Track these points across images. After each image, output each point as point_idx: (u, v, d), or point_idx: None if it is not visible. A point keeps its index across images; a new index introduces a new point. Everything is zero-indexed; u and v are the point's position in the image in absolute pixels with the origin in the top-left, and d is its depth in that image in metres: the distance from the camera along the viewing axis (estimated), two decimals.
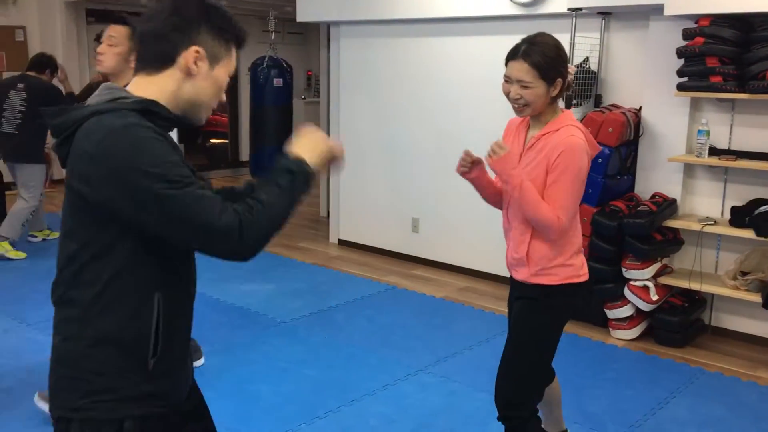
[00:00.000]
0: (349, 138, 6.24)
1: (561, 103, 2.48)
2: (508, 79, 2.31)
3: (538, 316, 2.48)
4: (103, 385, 1.41)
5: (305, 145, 1.53)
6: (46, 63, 5.91)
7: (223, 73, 1.52)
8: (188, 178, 1.34)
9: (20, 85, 5.71)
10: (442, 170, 5.46)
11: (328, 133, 6.92)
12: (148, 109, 1.40)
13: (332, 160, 1.60)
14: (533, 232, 2.38)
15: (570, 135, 2.30)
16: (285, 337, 4.26)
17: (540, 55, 2.24)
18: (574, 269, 2.45)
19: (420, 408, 3.42)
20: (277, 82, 6.19)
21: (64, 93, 5.90)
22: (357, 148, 6.13)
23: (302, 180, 1.47)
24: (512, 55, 2.29)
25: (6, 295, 4.83)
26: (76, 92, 5.98)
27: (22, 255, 5.72)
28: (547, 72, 2.24)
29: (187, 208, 1.31)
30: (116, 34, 3.01)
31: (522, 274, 2.46)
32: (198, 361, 3.59)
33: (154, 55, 1.46)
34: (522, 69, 2.25)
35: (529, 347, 2.48)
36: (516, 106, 2.32)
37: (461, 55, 5.40)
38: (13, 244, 5.72)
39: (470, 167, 2.43)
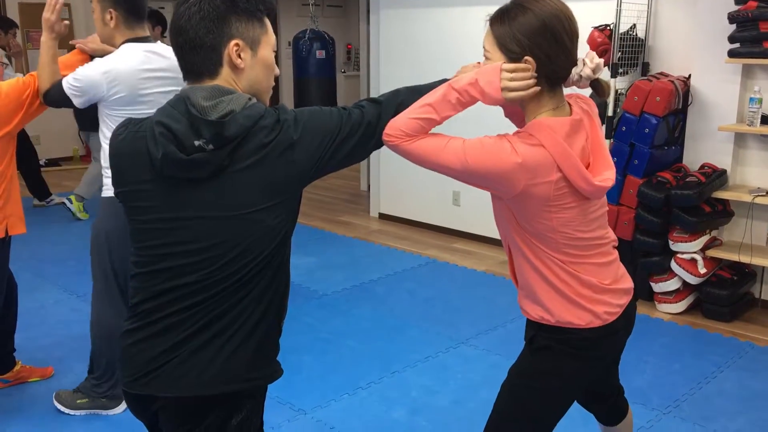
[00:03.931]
0: None
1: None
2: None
3: (528, 362, 1.86)
4: None
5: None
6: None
7: (266, 51, 1.53)
8: None
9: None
10: None
11: None
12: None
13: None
14: (513, 237, 1.74)
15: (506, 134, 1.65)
16: (327, 310, 4.29)
17: (509, 23, 1.65)
18: (580, 307, 1.74)
19: (461, 380, 3.42)
20: (320, 54, 6.17)
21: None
22: None
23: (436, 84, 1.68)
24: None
25: (57, 267, 4.97)
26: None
27: (86, 216, 6.19)
28: (509, 43, 1.64)
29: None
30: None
31: (521, 305, 1.87)
32: None
33: (202, 64, 1.47)
34: (487, 34, 1.71)
35: (508, 411, 1.85)
36: None
37: None
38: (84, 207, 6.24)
39: None
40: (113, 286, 2.90)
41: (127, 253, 2.92)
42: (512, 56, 1.65)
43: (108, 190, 2.84)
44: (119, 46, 2.77)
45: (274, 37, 1.56)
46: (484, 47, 1.72)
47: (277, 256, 1.51)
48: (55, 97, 2.75)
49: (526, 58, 1.63)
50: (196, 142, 1.39)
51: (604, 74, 4.46)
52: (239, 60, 1.47)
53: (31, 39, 8.23)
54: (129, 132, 1.49)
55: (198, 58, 1.46)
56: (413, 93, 1.66)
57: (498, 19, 1.69)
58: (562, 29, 1.65)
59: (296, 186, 1.47)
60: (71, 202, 6.18)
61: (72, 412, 3.06)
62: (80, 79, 2.70)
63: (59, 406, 3.08)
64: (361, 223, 6.39)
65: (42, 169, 6.98)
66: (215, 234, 1.43)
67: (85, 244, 5.47)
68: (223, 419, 1.48)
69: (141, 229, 1.50)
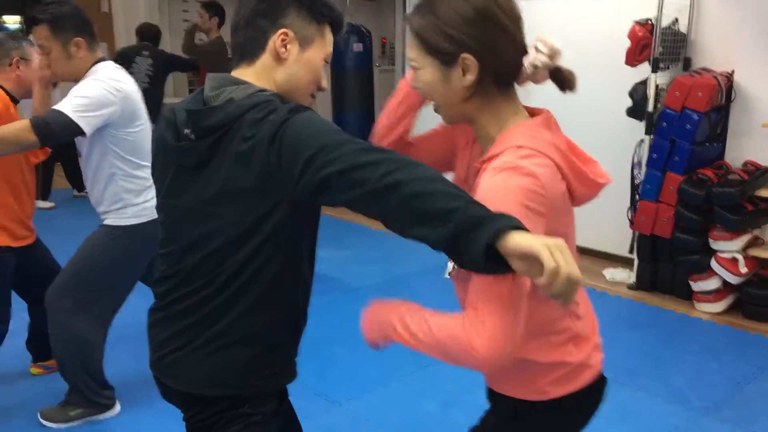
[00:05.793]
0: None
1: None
2: None
3: None
4: None
5: (544, 240, 1.06)
6: (157, 34, 6.24)
7: (316, 55, 1.45)
8: None
9: (145, 52, 5.96)
10: None
11: None
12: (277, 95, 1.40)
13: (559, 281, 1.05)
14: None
15: (503, 165, 1.25)
16: (360, 303, 4.25)
17: (427, 17, 1.30)
18: (564, 369, 1.44)
19: None
20: (357, 47, 6.15)
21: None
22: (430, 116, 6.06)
23: (476, 223, 1.11)
24: None
25: None
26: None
27: None
28: (436, 44, 1.29)
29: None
30: (40, 38, 2.54)
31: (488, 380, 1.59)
32: None
33: (246, 43, 1.43)
34: (410, 39, 1.35)
35: None
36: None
37: (546, 17, 5.23)
38: None
39: None
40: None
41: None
42: (446, 60, 1.29)
43: (131, 218, 2.72)
44: (90, 69, 2.59)
45: (330, 48, 1.50)
46: (409, 58, 1.36)
47: (262, 269, 1.39)
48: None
49: (464, 56, 1.28)
50: (185, 131, 1.38)
51: (645, 69, 4.38)
52: (283, 50, 1.41)
53: None
54: (164, 117, 1.51)
55: (245, 38, 1.43)
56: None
57: (416, 14, 1.33)
58: (500, 10, 1.30)
59: (272, 189, 1.31)
60: None
61: (65, 425, 2.85)
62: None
63: (49, 425, 2.85)
64: None
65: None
66: (188, 226, 1.42)
67: None
68: (227, 408, 1.48)
69: (158, 207, 1.54)
